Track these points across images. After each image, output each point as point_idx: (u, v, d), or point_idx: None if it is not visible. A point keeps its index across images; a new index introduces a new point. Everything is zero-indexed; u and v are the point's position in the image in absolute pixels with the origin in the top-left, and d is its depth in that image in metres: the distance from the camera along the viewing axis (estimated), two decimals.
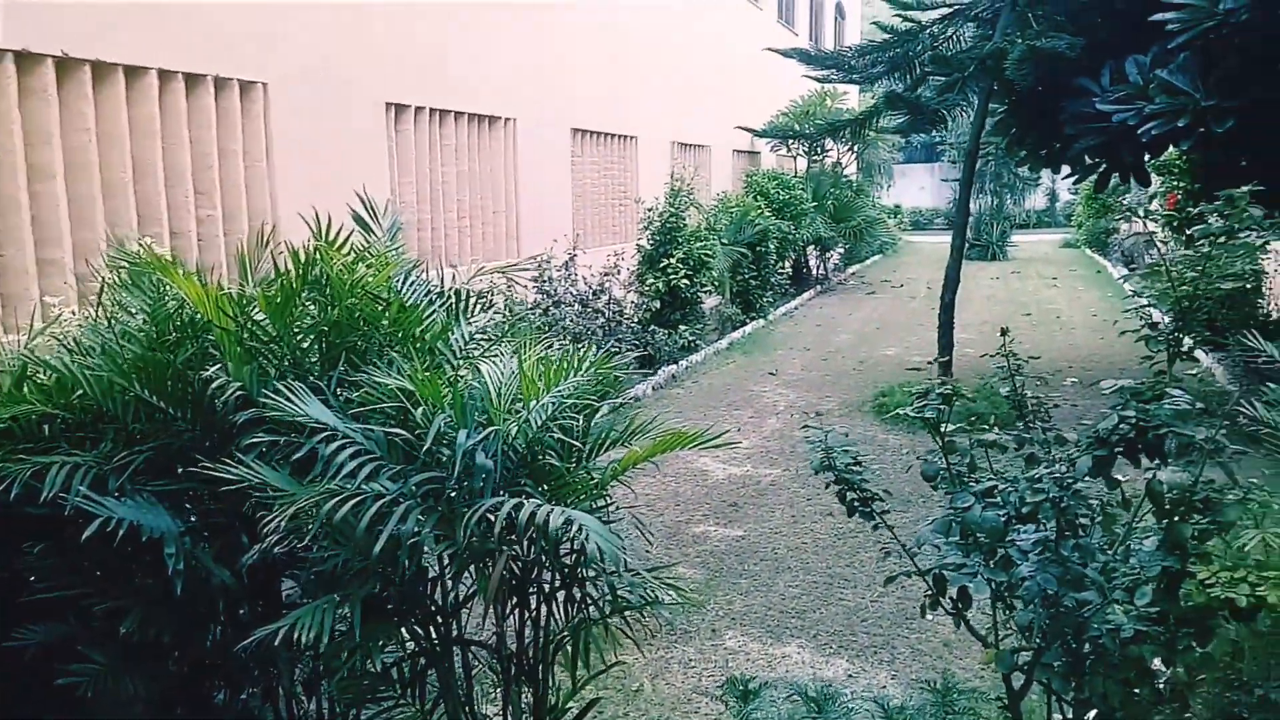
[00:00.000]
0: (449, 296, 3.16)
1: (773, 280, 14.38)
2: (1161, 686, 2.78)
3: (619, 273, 9.91)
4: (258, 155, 6.47)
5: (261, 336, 2.84)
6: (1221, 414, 2.64)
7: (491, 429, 2.48)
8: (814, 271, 18.36)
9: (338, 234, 3.00)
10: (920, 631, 4.46)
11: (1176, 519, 2.52)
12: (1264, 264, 10.05)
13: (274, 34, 6.53)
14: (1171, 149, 8.05)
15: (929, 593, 2.88)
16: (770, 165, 18.32)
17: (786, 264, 16.66)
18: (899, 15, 8.43)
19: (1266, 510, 3.72)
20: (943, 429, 2.91)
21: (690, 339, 10.75)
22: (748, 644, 4.40)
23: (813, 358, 11.29)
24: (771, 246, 13.77)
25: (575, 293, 8.96)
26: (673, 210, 10.69)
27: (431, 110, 8.35)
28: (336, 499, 2.30)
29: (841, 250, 19.60)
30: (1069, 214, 27.02)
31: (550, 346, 3.10)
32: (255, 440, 2.61)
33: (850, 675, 4.10)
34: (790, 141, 16.11)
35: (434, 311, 2.97)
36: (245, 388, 2.67)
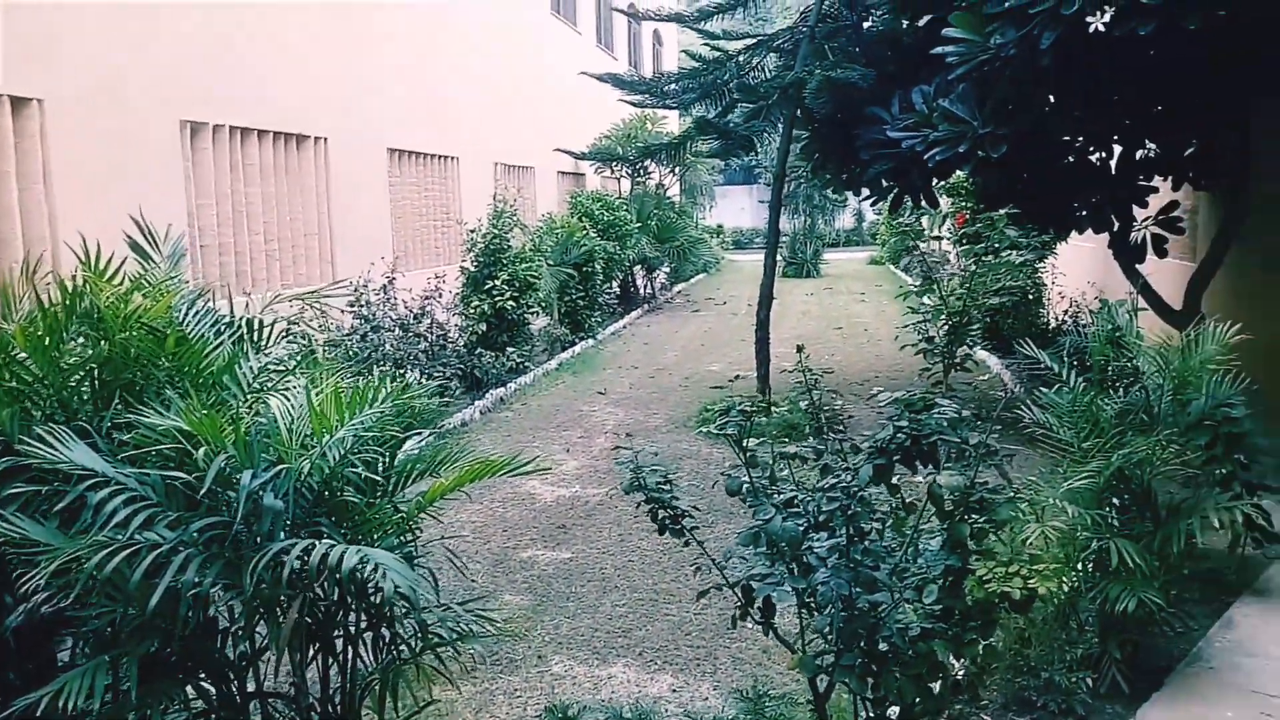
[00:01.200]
0: (239, 326, 2.99)
1: (600, 300, 14.52)
2: (958, 678, 2.97)
3: (441, 295, 9.72)
4: (34, 177, 5.92)
5: (24, 377, 2.60)
6: (991, 419, 2.86)
7: (281, 467, 2.35)
8: (641, 290, 18.69)
9: (109, 262, 2.78)
10: (741, 640, 4.58)
11: (956, 519, 2.71)
12: (1044, 276, 11.05)
13: (51, 46, 6.02)
14: (957, 172, 8.72)
15: (739, 604, 2.96)
16: (595, 186, 18.54)
17: (614, 284, 16.88)
18: (708, 45, 8.76)
19: (1044, 505, 4.07)
20: (745, 444, 3.01)
21: (518, 361, 10.68)
22: (574, 668, 4.38)
23: (641, 375, 11.45)
24: (598, 267, 13.91)
25: (395, 317, 8.70)
26: (497, 232, 10.60)
27: (233, 129, 7.93)
28: (106, 551, 2.12)
29: (667, 269, 20.06)
30: (874, 232, 28.79)
31: (360, 375, 2.99)
32: (16, 490, 2.39)
33: (674, 689, 4.15)
34: (614, 163, 16.36)
35: (220, 343, 2.80)
36: (5, 433, 2.44)
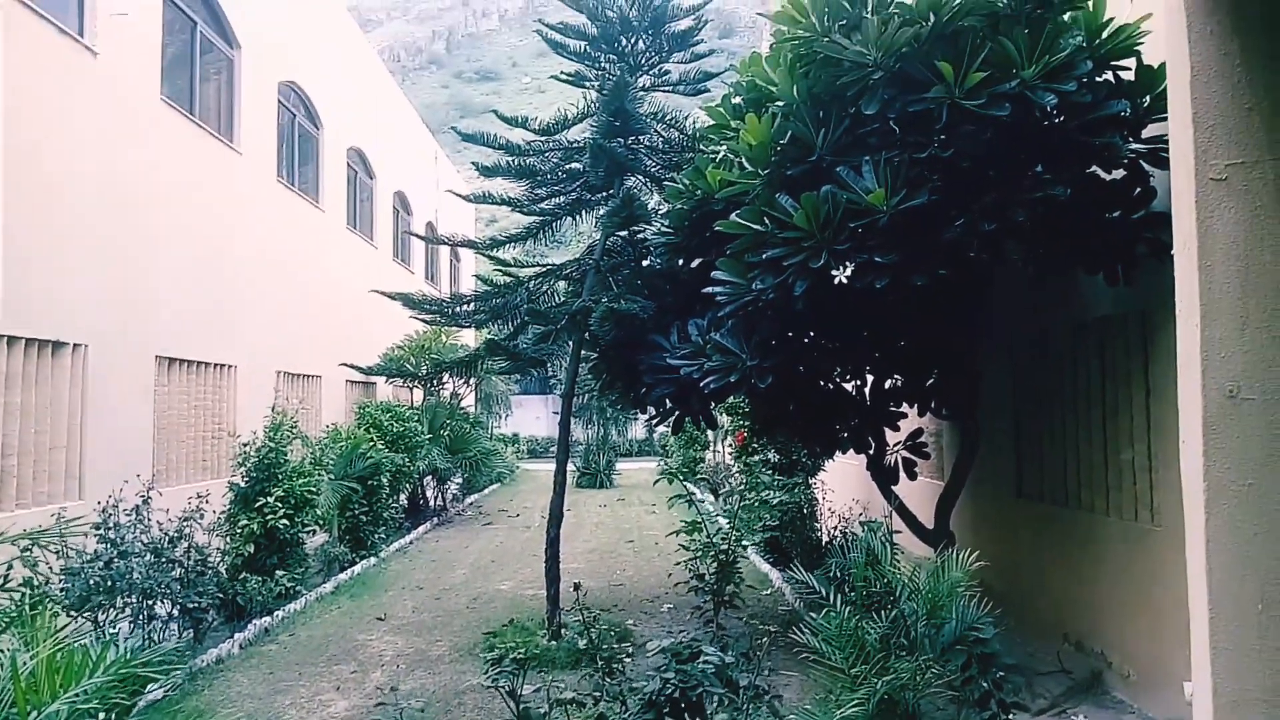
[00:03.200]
0: None
1: (386, 514, 13.91)
2: None
3: (204, 515, 8.98)
4: None
5: None
6: (759, 659, 2.91)
7: None
8: (431, 502, 18.13)
9: None
10: None
11: None
12: (816, 492, 11.73)
13: None
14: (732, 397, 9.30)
15: None
16: (387, 395, 18.24)
17: (402, 496, 16.30)
18: (499, 270, 9.11)
19: None
20: (520, 692, 2.88)
21: (289, 585, 9.87)
22: None
23: (425, 597, 10.88)
24: (385, 480, 13.42)
25: (147, 541, 7.90)
26: (273, 444, 10.07)
27: None
28: None
29: (460, 480, 19.67)
30: (664, 444, 29.82)
31: (98, 611, 2.63)
32: None
33: None
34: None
35: None
36: None
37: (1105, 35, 5.71)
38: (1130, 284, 6.02)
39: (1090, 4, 5.80)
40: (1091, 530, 6.84)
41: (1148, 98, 5.75)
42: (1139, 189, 5.95)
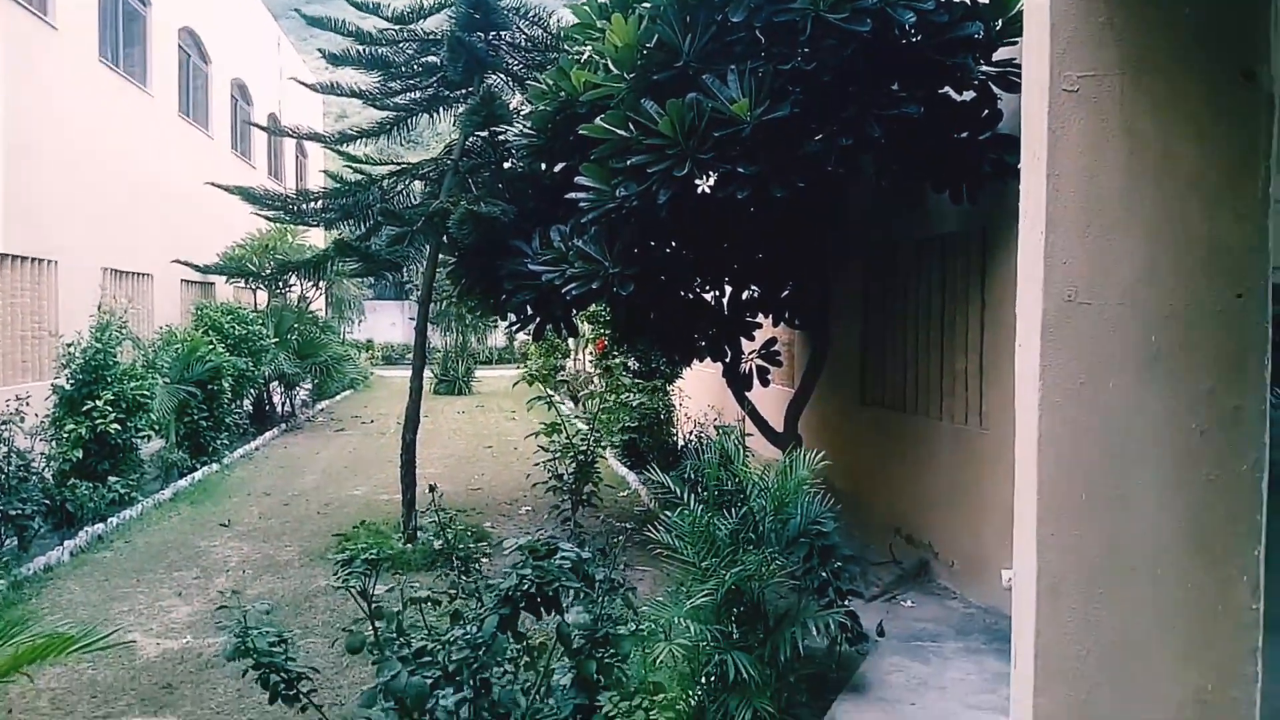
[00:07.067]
0: None
1: (229, 420, 13.34)
2: None
3: (23, 419, 8.35)
4: None
5: None
6: (614, 555, 2.99)
7: None
8: (279, 409, 17.50)
9: None
10: None
11: (584, 657, 2.76)
12: (673, 398, 12.02)
13: None
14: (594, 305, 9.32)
15: None
16: (228, 297, 17.25)
17: (246, 402, 15.64)
18: (349, 166, 8.65)
19: (671, 624, 4.29)
20: (372, 592, 2.86)
21: (124, 492, 9.39)
22: None
23: (273, 503, 10.58)
24: (226, 384, 12.81)
25: None
26: (101, 346, 9.40)
27: None
28: None
29: (309, 386, 19.02)
30: (525, 352, 29.71)
31: None
32: None
33: None
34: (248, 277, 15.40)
35: None
36: None
37: None
38: (973, 203, 6.33)
39: None
40: (926, 434, 7.32)
41: (1000, 21, 5.96)
42: (987, 110, 6.21)
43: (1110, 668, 2.04)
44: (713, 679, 4.35)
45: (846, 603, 5.15)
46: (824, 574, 5.01)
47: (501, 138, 8.57)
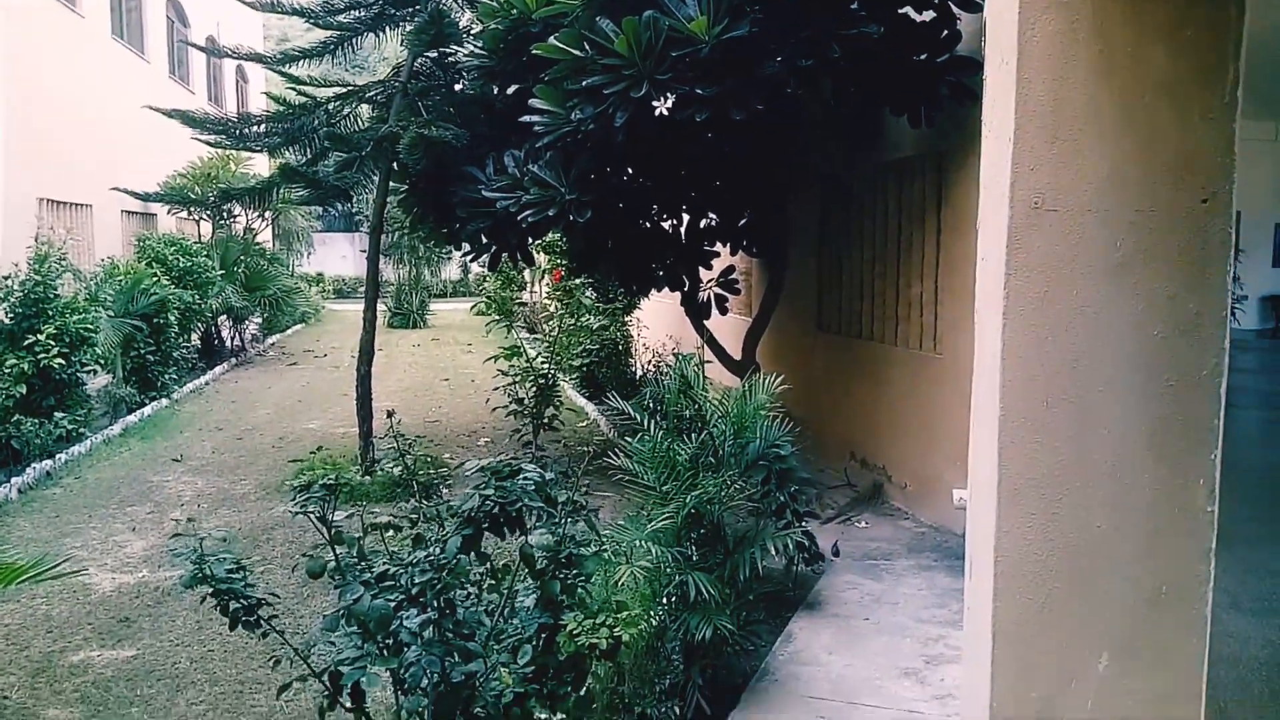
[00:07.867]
0: None
1: (177, 355, 13.05)
2: None
3: None
4: None
5: None
6: (578, 476, 2.98)
7: None
8: (228, 343, 17.16)
9: None
10: None
11: (548, 578, 2.76)
12: (631, 329, 11.97)
13: None
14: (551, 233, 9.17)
15: (326, 692, 2.75)
16: (171, 229, 16.72)
17: (194, 336, 15.30)
18: (292, 88, 8.33)
19: (632, 547, 4.33)
20: (332, 518, 2.82)
21: (71, 427, 9.18)
22: None
23: (226, 438, 10.43)
24: (173, 318, 12.49)
25: None
26: (40, 278, 9.08)
27: None
28: None
29: (259, 320, 18.64)
30: (481, 283, 29.36)
31: None
32: None
33: None
34: (191, 206, 14.92)
35: None
36: None
37: None
38: (931, 126, 6.30)
39: None
40: (880, 359, 7.40)
41: None
42: (946, 31, 6.14)
43: (1069, 570, 2.10)
44: (674, 599, 4.43)
45: (803, 524, 5.25)
46: (782, 497, 5.08)
47: (451, 59, 8.29)
